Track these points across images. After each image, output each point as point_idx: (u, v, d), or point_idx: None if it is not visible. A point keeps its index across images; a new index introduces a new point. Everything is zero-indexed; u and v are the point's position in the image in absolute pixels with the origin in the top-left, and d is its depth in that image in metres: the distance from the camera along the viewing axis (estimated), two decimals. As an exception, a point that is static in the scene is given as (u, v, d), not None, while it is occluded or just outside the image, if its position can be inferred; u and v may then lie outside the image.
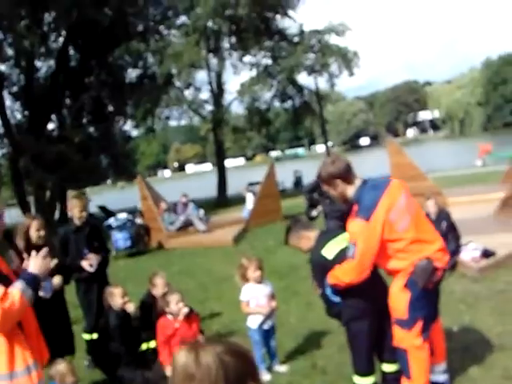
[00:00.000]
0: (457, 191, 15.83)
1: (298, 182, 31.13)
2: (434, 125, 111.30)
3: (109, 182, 48.34)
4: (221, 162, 32.22)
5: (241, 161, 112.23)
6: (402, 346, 4.37)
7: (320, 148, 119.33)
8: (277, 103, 31.03)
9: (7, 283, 2.98)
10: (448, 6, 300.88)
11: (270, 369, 5.79)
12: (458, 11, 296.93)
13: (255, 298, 5.67)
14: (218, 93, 29.87)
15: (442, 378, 4.76)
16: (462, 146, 51.93)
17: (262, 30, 27.64)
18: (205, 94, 31.26)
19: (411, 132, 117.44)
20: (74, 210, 6.61)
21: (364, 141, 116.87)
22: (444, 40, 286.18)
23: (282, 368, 5.84)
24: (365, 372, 4.66)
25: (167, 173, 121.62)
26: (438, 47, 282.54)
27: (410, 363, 4.35)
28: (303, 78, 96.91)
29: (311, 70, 28.44)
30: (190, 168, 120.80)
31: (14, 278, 3.10)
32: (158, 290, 6.17)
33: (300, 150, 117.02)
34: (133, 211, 18.46)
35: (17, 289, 2.95)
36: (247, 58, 30.11)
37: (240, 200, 27.13)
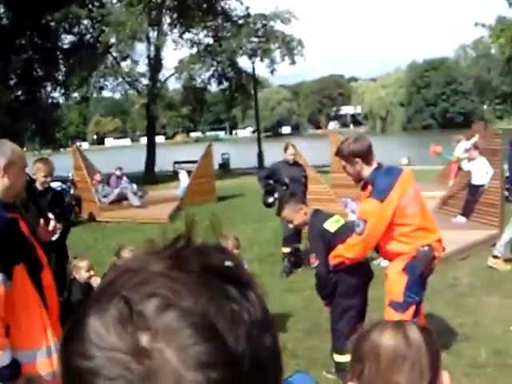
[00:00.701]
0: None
1: (224, 165, 31.03)
2: (356, 120, 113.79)
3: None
4: (152, 138, 31.67)
5: (160, 139, 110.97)
6: None
7: (241, 132, 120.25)
8: (214, 84, 30.77)
9: (26, 247, 2.70)
10: (380, 6, 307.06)
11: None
12: (389, 11, 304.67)
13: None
14: (155, 67, 29.19)
15: None
16: (384, 143, 53.36)
17: (207, 9, 27.23)
18: (142, 68, 30.56)
19: (332, 125, 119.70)
20: (38, 175, 6.27)
21: (286, 129, 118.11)
22: (372, 38, 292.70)
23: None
24: (338, 350, 4.76)
25: (85, 145, 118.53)
26: (366, 45, 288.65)
27: None
28: (243, 61, 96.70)
29: (252, 54, 28.30)
30: (109, 142, 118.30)
31: (33, 239, 2.82)
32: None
33: (221, 133, 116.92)
34: (65, 180, 17.80)
35: None
36: (189, 35, 29.70)
37: (167, 177, 26.93)
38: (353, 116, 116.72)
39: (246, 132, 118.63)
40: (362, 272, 4.68)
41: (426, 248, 4.42)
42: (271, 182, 9.01)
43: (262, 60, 28.61)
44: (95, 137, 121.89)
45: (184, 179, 18.11)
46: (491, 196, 10.66)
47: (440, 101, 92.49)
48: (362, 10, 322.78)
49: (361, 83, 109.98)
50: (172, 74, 30.06)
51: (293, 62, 28.38)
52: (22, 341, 2.62)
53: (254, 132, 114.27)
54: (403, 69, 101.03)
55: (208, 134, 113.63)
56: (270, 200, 8.98)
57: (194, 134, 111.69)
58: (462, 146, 14.34)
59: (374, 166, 4.46)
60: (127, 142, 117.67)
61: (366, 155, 4.44)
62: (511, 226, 8.39)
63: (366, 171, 4.42)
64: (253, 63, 29.23)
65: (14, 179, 2.70)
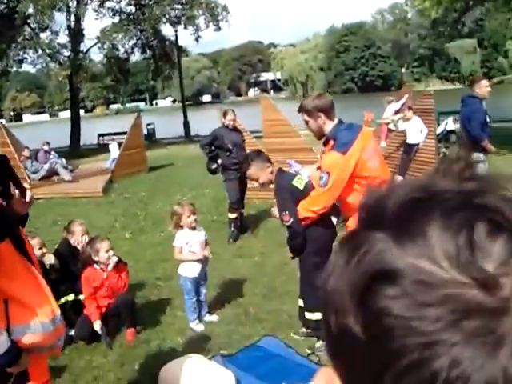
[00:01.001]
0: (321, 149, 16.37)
1: (150, 135, 30.50)
2: (276, 86, 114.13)
3: None
4: (76, 111, 30.61)
5: (80, 112, 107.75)
6: None
7: (162, 103, 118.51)
8: (137, 53, 29.91)
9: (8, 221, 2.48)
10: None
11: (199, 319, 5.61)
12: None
13: (189, 244, 5.43)
14: (76, 38, 27.90)
15: None
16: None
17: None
18: (63, 39, 29.32)
19: (252, 92, 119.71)
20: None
21: (206, 98, 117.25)
22: (290, 4, 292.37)
23: (212, 317, 5.69)
24: (318, 307, 4.75)
25: (2, 122, 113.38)
26: (284, 11, 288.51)
27: None
28: (166, 30, 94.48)
29: (176, 22, 27.62)
30: (27, 118, 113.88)
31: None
32: (77, 238, 5.69)
33: (141, 104, 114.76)
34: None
35: None
36: (110, 4, 28.57)
37: (93, 151, 26.28)
38: (273, 82, 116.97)
39: (166, 102, 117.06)
40: (327, 229, 4.71)
41: None
42: (213, 148, 8.85)
43: (185, 28, 27.98)
44: (12, 113, 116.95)
45: (114, 151, 17.70)
46: (426, 154, 10.93)
47: (359, 65, 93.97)
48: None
49: (280, 49, 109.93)
50: (94, 45, 28.95)
51: (218, 29, 27.89)
52: (26, 314, 2.46)
53: (174, 102, 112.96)
54: (322, 34, 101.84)
55: (128, 105, 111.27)
56: (214, 166, 8.88)
57: (113, 106, 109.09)
58: (391, 108, 14.60)
59: (336, 121, 4.51)
60: (46, 117, 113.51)
61: (329, 110, 4.49)
62: None
63: (328, 126, 4.47)
64: (175, 31, 28.62)
65: None
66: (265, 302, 6.00)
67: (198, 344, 5.06)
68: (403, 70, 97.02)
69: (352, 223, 4.56)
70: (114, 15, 28.49)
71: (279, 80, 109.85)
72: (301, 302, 5.02)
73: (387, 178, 4.58)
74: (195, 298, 5.54)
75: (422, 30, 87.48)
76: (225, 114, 8.96)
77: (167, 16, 27.26)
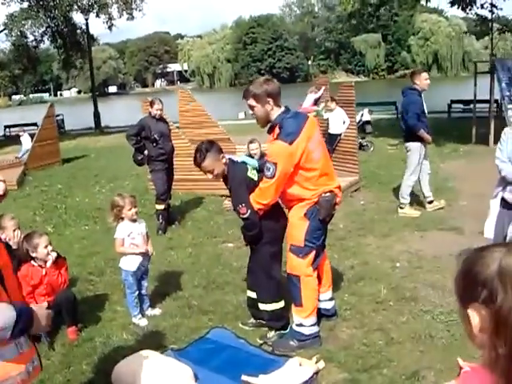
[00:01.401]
0: (239, 139, 16.31)
1: (59, 126, 29.41)
2: (183, 77, 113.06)
3: None
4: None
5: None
6: (294, 273, 4.52)
7: (66, 93, 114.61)
8: (47, 41, 28.59)
9: None
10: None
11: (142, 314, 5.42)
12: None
13: (131, 236, 5.22)
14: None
15: (329, 305, 4.98)
16: (213, 98, 53.72)
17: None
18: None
19: (159, 83, 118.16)
20: None
21: (112, 89, 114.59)
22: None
23: (154, 311, 5.52)
24: (274, 298, 4.72)
25: None
26: (191, 1, 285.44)
27: (302, 290, 4.51)
28: (77, 17, 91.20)
29: (88, 10, 26.62)
30: None
31: None
32: (9, 234, 5.34)
33: (45, 95, 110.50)
34: None
35: None
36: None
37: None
38: (180, 73, 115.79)
39: (71, 93, 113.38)
40: (280, 218, 4.62)
41: (329, 194, 4.48)
42: (140, 139, 8.59)
43: (98, 16, 27.09)
44: None
45: (27, 142, 17.03)
46: (349, 144, 11.10)
47: (266, 57, 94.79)
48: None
49: (187, 40, 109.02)
50: (1, 31, 27.48)
51: (131, 18, 27.21)
52: None
53: (79, 92, 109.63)
54: (229, 25, 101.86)
55: (31, 96, 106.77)
56: (140, 157, 8.64)
57: (16, 97, 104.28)
58: (311, 98, 14.74)
59: (282, 108, 4.43)
60: None
61: (277, 96, 4.42)
62: (410, 176, 8.79)
63: (275, 113, 4.39)
64: (86, 19, 27.66)
65: None
66: (206, 294, 5.90)
67: (145, 339, 4.89)
68: (309, 62, 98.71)
69: (292, 215, 4.52)
70: (22, 0, 27.18)
71: (186, 71, 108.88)
72: (252, 294, 4.94)
73: (329, 170, 4.60)
74: (137, 293, 5.36)
75: (328, 24, 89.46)
76: (151, 103, 8.71)
77: (79, 3, 26.22)
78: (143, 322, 5.25)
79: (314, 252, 4.54)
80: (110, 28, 27.75)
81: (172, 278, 6.41)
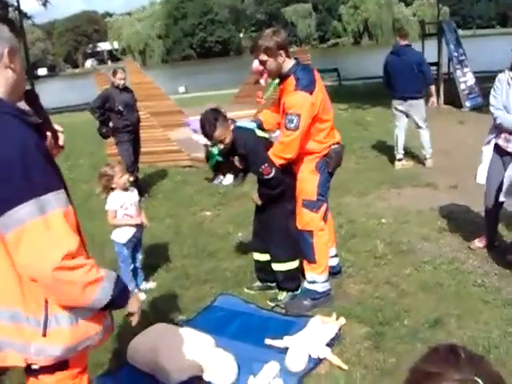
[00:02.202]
0: (191, 111, 16.03)
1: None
2: (113, 56, 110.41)
3: None
4: None
5: None
6: (308, 228, 4.42)
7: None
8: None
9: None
10: None
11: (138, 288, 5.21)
12: None
13: (124, 207, 4.96)
14: None
15: (334, 261, 4.91)
16: (148, 75, 52.66)
17: None
18: None
19: (89, 63, 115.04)
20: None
21: (42, 71, 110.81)
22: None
23: (149, 285, 5.31)
24: (291, 257, 4.60)
25: None
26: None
27: (315, 246, 4.42)
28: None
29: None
30: None
31: None
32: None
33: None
34: None
35: None
36: None
37: None
38: (110, 52, 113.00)
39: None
40: (293, 175, 4.45)
41: (337, 146, 4.45)
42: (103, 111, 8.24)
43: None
44: None
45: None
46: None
47: (198, 31, 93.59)
48: None
49: (116, 18, 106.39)
50: None
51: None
52: None
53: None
54: (158, 1, 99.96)
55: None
56: (105, 130, 8.30)
57: None
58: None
59: (293, 60, 4.28)
60: None
61: (287, 47, 4.28)
62: (400, 133, 9.06)
63: (287, 64, 4.23)
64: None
65: (19, 72, 1.97)
66: (200, 263, 5.72)
67: (149, 314, 4.67)
68: (241, 34, 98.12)
69: (302, 169, 4.39)
70: None
71: (116, 50, 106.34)
72: (261, 256, 4.79)
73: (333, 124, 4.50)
74: (132, 266, 5.14)
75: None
76: (114, 73, 8.34)
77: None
78: (141, 296, 5.03)
79: (325, 205, 4.47)
80: (44, 5, 26.62)
81: (159, 250, 6.20)
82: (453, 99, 14.62)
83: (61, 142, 2.22)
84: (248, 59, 14.51)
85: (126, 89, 8.43)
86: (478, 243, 5.44)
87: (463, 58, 14.79)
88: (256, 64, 14.05)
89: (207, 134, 4.40)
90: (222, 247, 6.09)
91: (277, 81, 4.55)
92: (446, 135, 11.20)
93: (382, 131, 11.64)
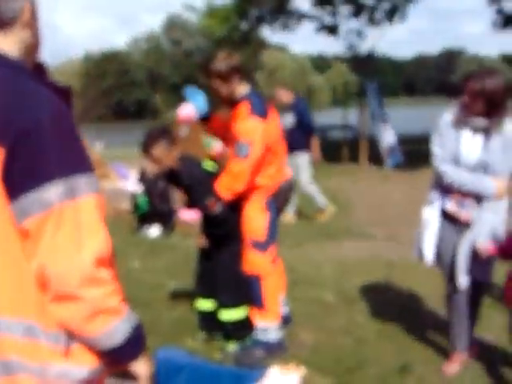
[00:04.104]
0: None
1: None
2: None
3: None
4: None
5: None
6: (256, 271, 4.08)
7: None
8: None
9: None
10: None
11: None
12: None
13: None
14: None
15: (284, 309, 4.50)
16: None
17: None
18: None
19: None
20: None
21: None
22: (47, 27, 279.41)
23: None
24: (241, 303, 4.21)
25: None
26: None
27: (265, 291, 4.08)
28: None
29: None
30: None
31: None
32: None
33: None
34: None
35: None
36: None
37: None
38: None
39: None
40: (238, 211, 4.09)
41: (287, 182, 4.18)
42: None
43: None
44: None
45: None
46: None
47: (115, 91, 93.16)
48: None
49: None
50: None
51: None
52: None
53: None
54: (78, 58, 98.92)
55: None
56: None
57: None
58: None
59: (247, 84, 4.02)
60: None
61: (242, 70, 4.02)
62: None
63: (241, 89, 3.96)
64: None
65: (37, 35, 1.60)
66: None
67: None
68: (157, 96, 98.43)
69: (250, 206, 4.05)
70: None
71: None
72: (206, 304, 4.36)
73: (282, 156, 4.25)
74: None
75: (176, 59, 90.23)
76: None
77: None
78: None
79: (273, 246, 4.13)
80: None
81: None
82: (375, 158, 14.94)
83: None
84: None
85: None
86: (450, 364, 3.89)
87: (386, 117, 15.22)
88: (186, 111, 13.87)
89: (145, 148, 3.98)
90: (155, 298, 5.59)
91: (212, 141, 4.29)
92: (372, 191, 11.31)
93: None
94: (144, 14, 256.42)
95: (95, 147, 28.81)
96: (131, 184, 8.25)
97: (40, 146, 1.37)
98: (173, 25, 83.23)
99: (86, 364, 1.51)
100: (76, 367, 1.49)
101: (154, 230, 8.57)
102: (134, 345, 1.57)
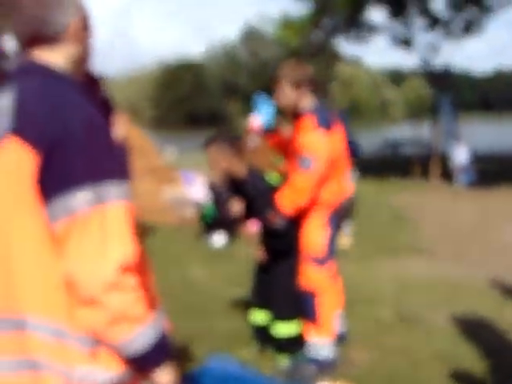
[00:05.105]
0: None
1: None
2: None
3: None
4: None
5: None
6: (313, 287, 4.03)
7: None
8: None
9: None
10: None
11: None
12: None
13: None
14: None
15: (340, 327, 4.41)
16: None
17: None
18: None
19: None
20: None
21: None
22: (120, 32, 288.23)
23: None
24: (295, 317, 4.16)
25: None
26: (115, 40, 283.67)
27: (320, 306, 4.03)
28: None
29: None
30: None
31: None
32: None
33: None
34: None
35: None
36: None
37: None
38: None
39: None
40: (297, 225, 4.07)
41: (350, 199, 4.13)
42: None
43: None
44: None
45: None
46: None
47: (189, 100, 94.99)
48: None
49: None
50: None
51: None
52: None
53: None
54: (151, 67, 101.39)
55: None
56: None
57: None
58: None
59: (313, 97, 3.98)
60: None
61: (311, 82, 3.97)
62: None
63: (308, 102, 3.92)
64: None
65: (86, 49, 1.66)
66: (188, 322, 5.19)
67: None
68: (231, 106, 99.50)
69: (313, 221, 4.02)
70: None
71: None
72: (260, 316, 4.36)
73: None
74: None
75: (252, 69, 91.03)
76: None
77: None
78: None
79: (332, 263, 4.10)
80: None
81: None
82: (446, 174, 14.58)
83: None
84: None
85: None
86: None
87: (459, 134, 14.86)
88: (258, 121, 13.98)
89: (205, 147, 3.98)
90: (213, 306, 5.64)
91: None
92: (441, 208, 11.04)
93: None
94: (219, 23, 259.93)
95: (166, 153, 29.54)
96: (196, 191, 8.36)
97: (71, 153, 1.43)
98: (250, 35, 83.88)
99: (110, 369, 1.53)
100: (101, 371, 1.52)
101: (220, 238, 8.64)
102: (158, 353, 1.58)
